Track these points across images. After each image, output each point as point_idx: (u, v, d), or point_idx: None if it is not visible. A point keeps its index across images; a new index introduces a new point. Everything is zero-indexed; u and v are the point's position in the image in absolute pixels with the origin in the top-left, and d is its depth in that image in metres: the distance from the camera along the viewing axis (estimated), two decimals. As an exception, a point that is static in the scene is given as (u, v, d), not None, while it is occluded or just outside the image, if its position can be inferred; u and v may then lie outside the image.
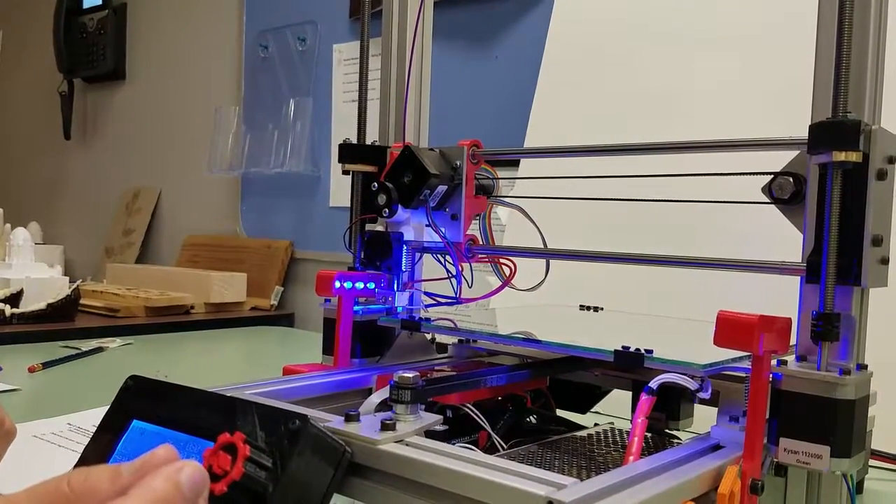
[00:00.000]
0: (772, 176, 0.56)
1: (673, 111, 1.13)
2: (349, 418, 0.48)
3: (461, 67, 1.61)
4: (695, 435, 0.57)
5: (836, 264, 0.49)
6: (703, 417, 0.61)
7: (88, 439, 0.49)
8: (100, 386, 1.07)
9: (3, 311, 1.51)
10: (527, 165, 1.17)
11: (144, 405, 0.48)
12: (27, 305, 1.54)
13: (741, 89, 1.09)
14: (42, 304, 1.55)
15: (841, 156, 0.49)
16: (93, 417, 0.86)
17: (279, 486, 0.40)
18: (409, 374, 0.49)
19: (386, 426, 0.47)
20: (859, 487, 0.71)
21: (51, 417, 0.87)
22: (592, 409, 0.75)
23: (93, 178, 2.66)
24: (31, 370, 1.14)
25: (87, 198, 2.68)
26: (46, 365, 1.18)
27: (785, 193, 0.55)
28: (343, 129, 1.87)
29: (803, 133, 0.52)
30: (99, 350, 1.35)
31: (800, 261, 0.53)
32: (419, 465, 0.43)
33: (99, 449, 0.47)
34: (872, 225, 0.50)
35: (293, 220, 2.00)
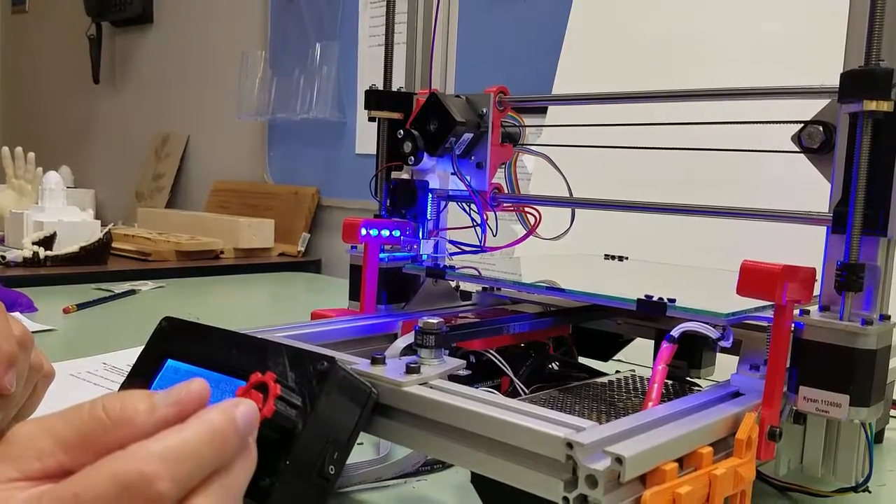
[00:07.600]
0: (802, 125, 0.55)
1: (705, 57, 1.11)
2: (375, 361, 0.49)
3: (488, 11, 1.59)
4: (715, 383, 0.57)
5: (862, 214, 0.49)
6: (726, 367, 0.62)
7: (123, 378, 0.51)
8: (133, 327, 1.10)
9: (36, 253, 1.54)
10: (554, 112, 1.16)
11: (178, 345, 0.50)
12: (60, 248, 1.58)
13: (775, 36, 1.07)
14: (75, 247, 1.58)
15: (872, 105, 0.48)
16: (127, 357, 0.88)
17: (308, 424, 0.42)
18: (434, 320, 0.50)
19: (411, 369, 0.48)
20: (879, 437, 0.71)
21: (86, 357, 0.90)
22: (615, 357, 0.76)
23: (122, 122, 2.68)
24: (66, 311, 1.18)
25: (117, 142, 2.70)
26: (81, 306, 1.21)
27: (814, 142, 0.55)
28: (369, 74, 1.86)
29: (835, 81, 0.51)
30: (131, 293, 1.38)
31: (826, 211, 0.53)
32: (442, 407, 0.44)
33: (135, 386, 0.49)
34: (901, 176, 0.50)
35: (319, 166, 2.01)
